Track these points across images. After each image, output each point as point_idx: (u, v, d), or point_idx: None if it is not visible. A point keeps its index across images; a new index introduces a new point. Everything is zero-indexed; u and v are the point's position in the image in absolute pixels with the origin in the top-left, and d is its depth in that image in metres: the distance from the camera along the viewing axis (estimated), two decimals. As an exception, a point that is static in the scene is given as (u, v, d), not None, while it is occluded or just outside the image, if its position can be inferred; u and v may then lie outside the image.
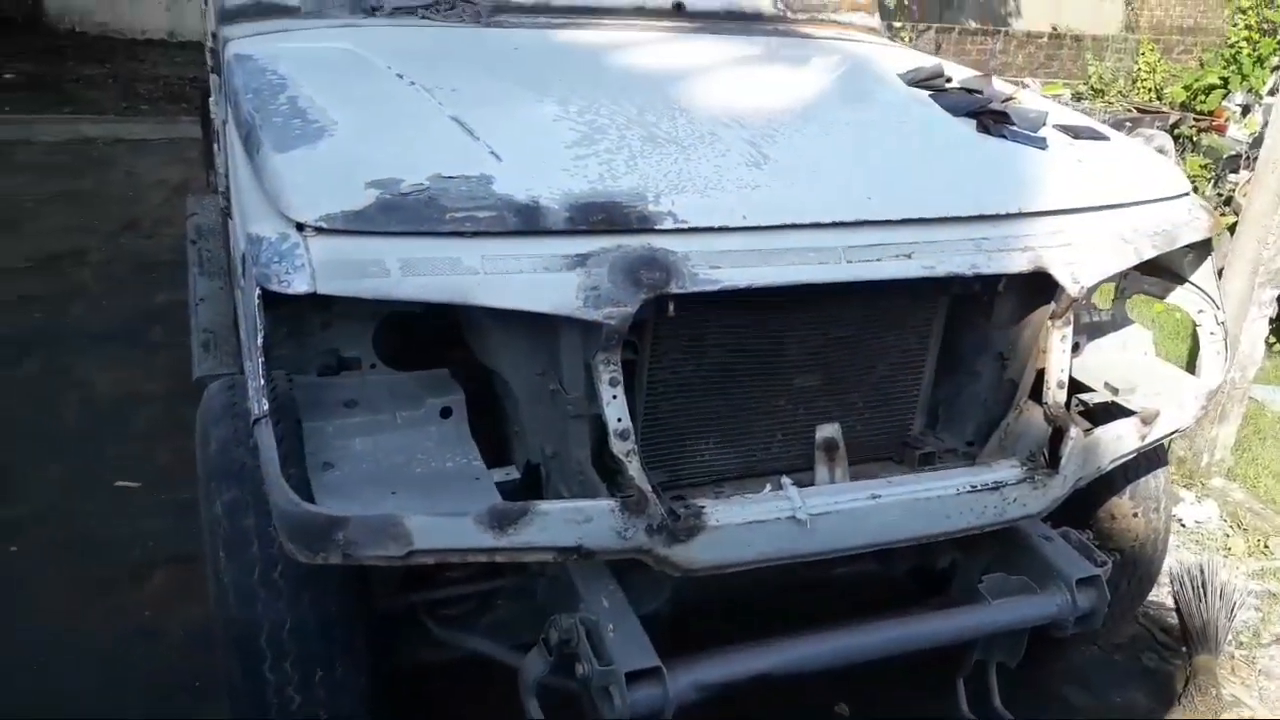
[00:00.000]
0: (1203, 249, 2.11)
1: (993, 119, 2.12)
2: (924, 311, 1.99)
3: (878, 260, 1.74)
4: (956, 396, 2.12)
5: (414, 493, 1.62)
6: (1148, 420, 1.99)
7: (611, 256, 1.60)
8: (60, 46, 9.70)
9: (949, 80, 2.37)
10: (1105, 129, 2.25)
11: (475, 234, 1.57)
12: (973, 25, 12.25)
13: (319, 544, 1.52)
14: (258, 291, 1.50)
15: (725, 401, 1.88)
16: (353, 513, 1.52)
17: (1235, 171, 7.78)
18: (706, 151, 1.82)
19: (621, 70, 2.27)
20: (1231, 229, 5.93)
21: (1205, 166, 8.09)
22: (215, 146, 4.12)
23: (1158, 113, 9.16)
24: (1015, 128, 2.11)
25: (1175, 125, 8.92)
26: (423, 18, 2.49)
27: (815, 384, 1.93)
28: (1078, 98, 9.73)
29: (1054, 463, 1.88)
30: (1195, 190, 6.85)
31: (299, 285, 1.48)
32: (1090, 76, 10.45)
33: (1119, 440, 1.96)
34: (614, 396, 1.62)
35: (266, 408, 1.51)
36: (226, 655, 1.74)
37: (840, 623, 1.81)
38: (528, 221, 1.59)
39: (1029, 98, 2.39)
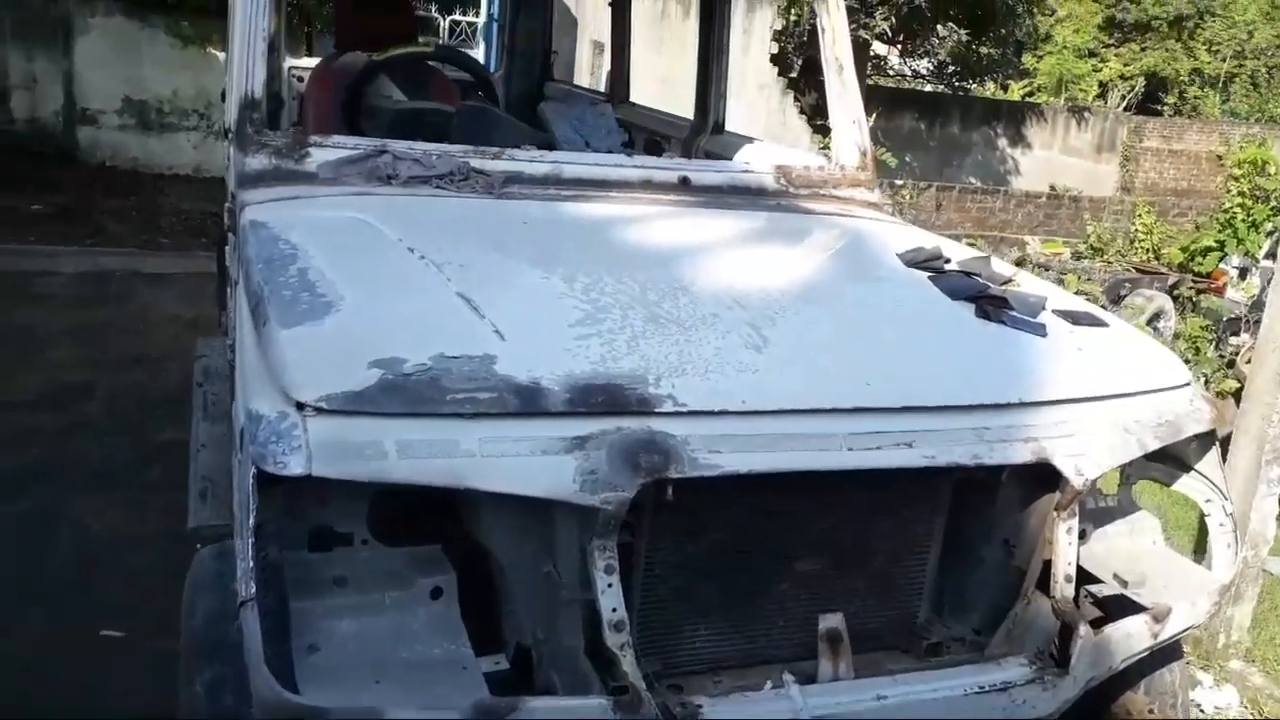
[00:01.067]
0: (1207, 439, 2.10)
1: (992, 304, 2.14)
2: (928, 497, 1.97)
3: (878, 448, 1.73)
4: (962, 583, 2.07)
5: (399, 681, 1.57)
6: (1160, 618, 1.94)
7: (610, 439, 1.59)
8: (91, 180, 10.01)
9: (947, 261, 2.41)
10: (1104, 314, 2.28)
11: (475, 415, 1.57)
12: (973, 183, 12.64)
13: None
14: (253, 471, 1.49)
15: (724, 587, 1.84)
16: (334, 703, 1.47)
17: (1236, 334, 7.87)
18: (708, 333, 1.84)
19: (627, 246, 2.31)
20: (1235, 395, 5.96)
21: (1206, 328, 8.19)
22: (228, 291, 4.20)
23: (1157, 273, 9.34)
24: (1015, 313, 2.13)
25: (1174, 286, 9.09)
26: (437, 187, 2.56)
27: (817, 570, 1.89)
28: (1077, 256, 9.95)
29: (1063, 661, 1.82)
30: (1198, 351, 6.90)
31: (295, 467, 1.47)
32: (1089, 236, 10.72)
33: (1130, 639, 1.91)
34: (609, 585, 1.59)
35: (254, 591, 1.48)
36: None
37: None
38: (528, 403, 1.59)
39: (1027, 280, 2.43)
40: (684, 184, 2.83)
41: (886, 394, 1.78)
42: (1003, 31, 12.23)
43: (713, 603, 1.84)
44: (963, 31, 11.50)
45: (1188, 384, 2.10)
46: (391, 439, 1.52)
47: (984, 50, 12.22)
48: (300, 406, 1.53)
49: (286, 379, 1.57)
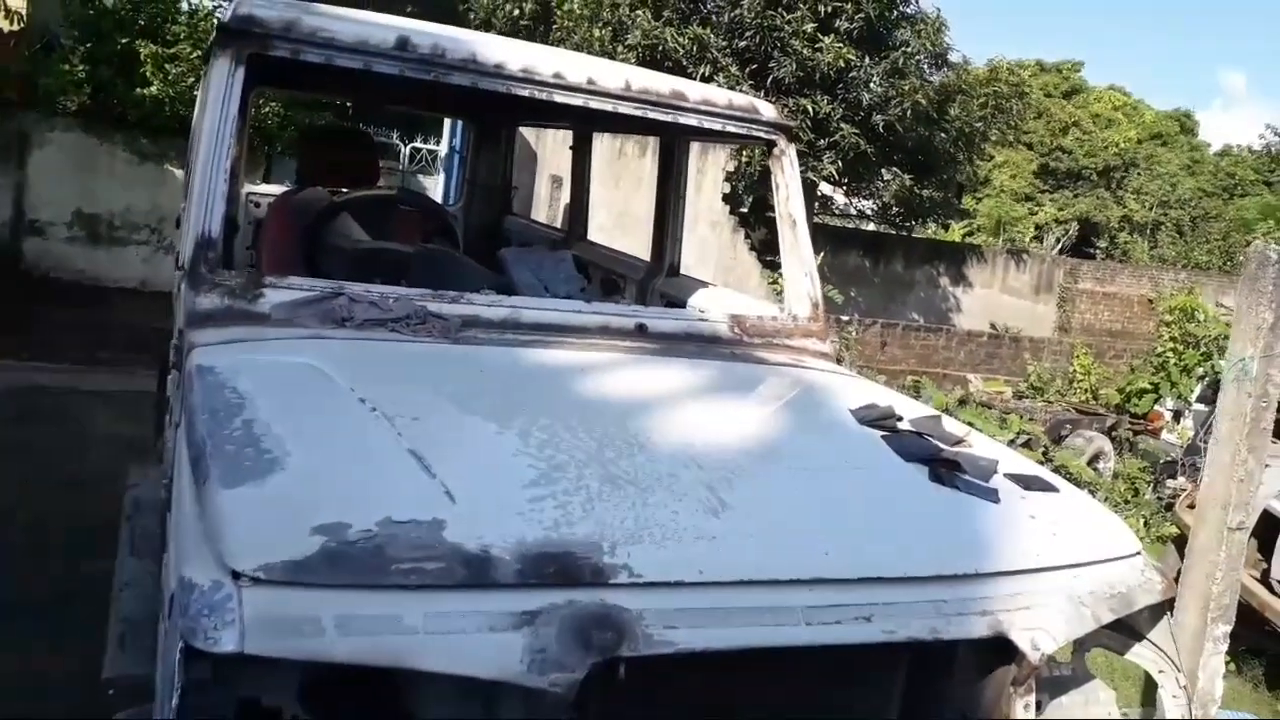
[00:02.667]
0: (1158, 609, 2.10)
1: (945, 468, 2.15)
2: (885, 669, 1.92)
3: (837, 623, 1.69)
4: None
5: None
6: (1120, 800, 1.89)
7: (561, 614, 1.53)
8: (33, 291, 9.85)
9: (899, 419, 2.42)
10: (1054, 479, 2.29)
11: (420, 587, 1.51)
12: (917, 320, 12.97)
13: None
14: (180, 645, 1.41)
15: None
16: None
17: (1173, 477, 8.04)
18: (664, 495, 1.81)
19: (584, 396, 2.30)
20: (1176, 540, 6.03)
21: (1143, 469, 8.36)
22: (166, 419, 4.09)
23: (1095, 414, 9.58)
24: (968, 477, 2.13)
25: (1113, 427, 9.31)
26: (392, 330, 2.54)
27: None
28: (1019, 396, 10.19)
29: None
30: (1136, 493, 7.00)
31: (226, 644, 1.39)
32: (1029, 375, 11.01)
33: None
34: None
35: None
36: None
37: None
38: (476, 574, 1.54)
39: (978, 440, 2.44)
40: (640, 331, 2.84)
41: (845, 564, 1.75)
42: (944, 176, 12.76)
43: None
44: (906, 176, 11.98)
45: (1138, 553, 2.11)
46: (330, 613, 1.45)
47: (926, 193, 12.72)
48: (236, 575, 1.46)
49: (224, 545, 1.50)
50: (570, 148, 4.99)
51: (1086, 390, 10.88)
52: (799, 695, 1.84)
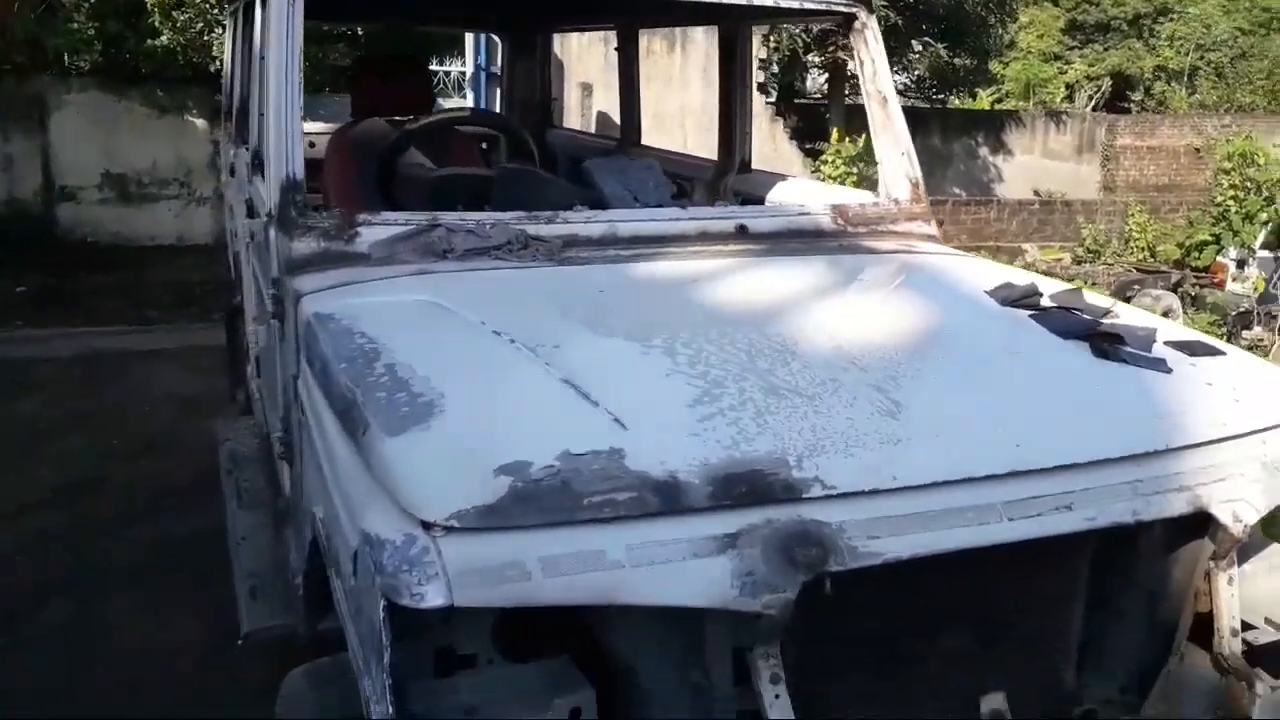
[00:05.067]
0: None
1: (1107, 342, 2.03)
2: (1075, 557, 1.84)
3: (1039, 515, 1.61)
4: (1103, 640, 1.94)
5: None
6: (1329, 664, 1.82)
7: (763, 534, 1.46)
8: (73, 257, 9.82)
9: (1041, 296, 2.30)
10: (1216, 342, 2.17)
11: (614, 519, 1.43)
12: (959, 194, 12.65)
13: None
14: (383, 604, 1.35)
15: (878, 676, 1.70)
16: None
17: (1248, 328, 7.84)
18: (833, 401, 1.71)
19: (714, 307, 2.19)
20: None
21: (1214, 323, 8.16)
22: (248, 369, 4.05)
23: (1158, 271, 9.33)
24: (1132, 349, 2.02)
25: (1179, 283, 9.08)
26: (496, 258, 2.43)
27: (971, 647, 1.76)
28: (1078, 261, 9.94)
29: (1243, 722, 1.70)
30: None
31: (434, 598, 1.33)
32: (1085, 239, 10.72)
33: (1303, 690, 1.78)
34: (776, 696, 1.45)
35: None
36: None
37: None
38: (669, 501, 1.46)
39: (1124, 311, 2.32)
40: (742, 232, 2.72)
41: (1037, 454, 1.65)
42: (977, 43, 12.28)
43: (867, 695, 1.71)
44: (940, 46, 11.53)
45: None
46: (533, 556, 1.38)
47: (959, 62, 12.27)
48: (427, 526, 1.40)
49: (407, 496, 1.44)
50: (615, 49, 4.78)
51: (1144, 248, 10.60)
52: (992, 596, 1.77)
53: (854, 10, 3.08)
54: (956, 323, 2.16)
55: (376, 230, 2.45)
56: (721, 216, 2.77)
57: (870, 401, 1.72)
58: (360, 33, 9.85)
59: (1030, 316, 2.19)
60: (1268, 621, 1.95)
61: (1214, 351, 2.11)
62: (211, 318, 8.46)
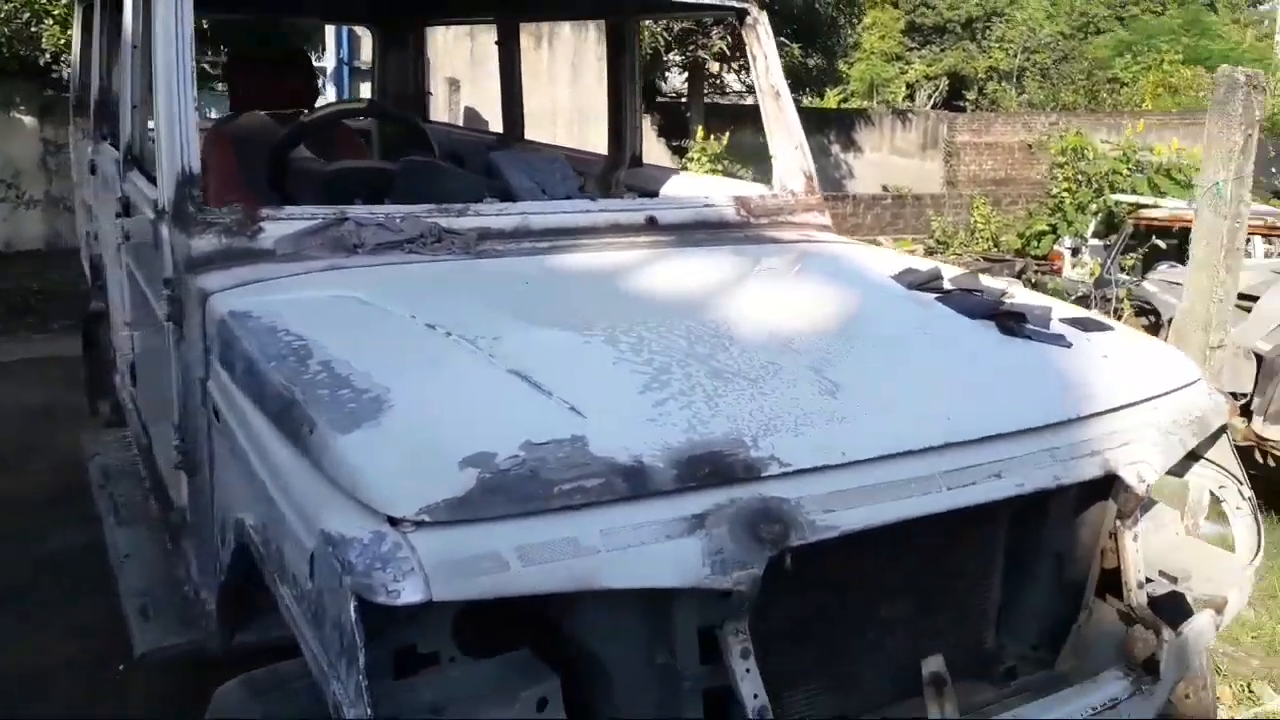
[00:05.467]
0: (1220, 430, 2.18)
1: (1011, 321, 2.16)
2: (994, 523, 1.95)
3: (973, 484, 1.70)
4: (1018, 602, 2.06)
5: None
6: (1220, 609, 1.99)
7: (728, 514, 1.49)
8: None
9: (942, 279, 2.42)
10: (1103, 319, 2.33)
11: (584, 506, 1.44)
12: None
13: None
14: (354, 604, 1.31)
15: (825, 645, 1.76)
16: None
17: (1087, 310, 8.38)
18: (776, 383, 1.76)
19: (643, 296, 2.21)
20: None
21: (1054, 308, 8.70)
22: (120, 379, 3.82)
23: (1003, 260, 9.91)
24: (1034, 327, 2.15)
25: (1021, 271, 9.66)
26: (409, 251, 2.39)
27: (906, 613, 1.84)
28: (929, 252, 10.44)
29: (1152, 669, 1.84)
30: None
31: (411, 594, 1.30)
32: (934, 231, 11.27)
33: (1201, 635, 1.94)
34: (747, 670, 1.49)
35: None
36: None
37: None
38: (636, 485, 1.48)
39: (1018, 291, 2.46)
40: (651, 224, 2.74)
41: (967, 426, 1.75)
42: (827, 42, 12.72)
43: (814, 662, 1.77)
44: (795, 45, 11.88)
45: (1200, 378, 2.18)
46: (509, 546, 1.37)
47: (812, 62, 12.67)
48: (395, 522, 1.37)
49: (370, 492, 1.40)
50: (496, 42, 4.74)
51: (988, 239, 11.23)
52: (924, 563, 1.86)
53: (745, 6, 3.15)
54: (872, 306, 2.25)
55: (280, 225, 2.36)
56: (631, 209, 2.79)
57: (810, 382, 1.78)
58: (206, 25, 9.40)
59: (936, 299, 2.31)
60: (1162, 574, 2.11)
61: (1104, 327, 2.26)
62: (52, 327, 7.95)
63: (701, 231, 2.79)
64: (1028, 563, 2.05)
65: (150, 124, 2.87)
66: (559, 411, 1.60)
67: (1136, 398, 1.98)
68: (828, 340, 1.99)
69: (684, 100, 12.83)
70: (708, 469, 1.52)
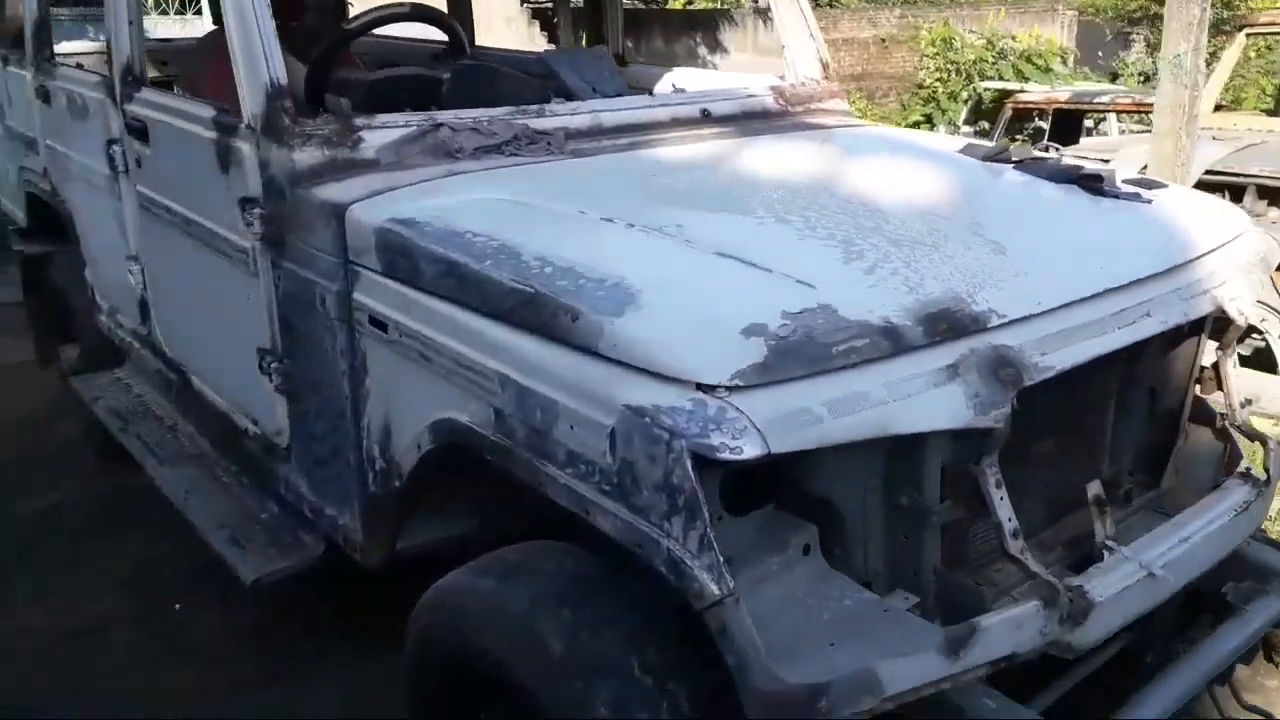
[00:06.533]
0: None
1: (1093, 182, 2.36)
2: (1116, 362, 2.15)
3: (1133, 323, 1.90)
4: (1118, 433, 2.30)
5: (845, 638, 1.55)
6: (1302, 420, 2.28)
7: (974, 361, 1.63)
8: None
9: (1007, 152, 2.60)
10: (1157, 178, 2.57)
11: (860, 364, 1.56)
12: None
13: (800, 715, 1.43)
14: (690, 463, 1.40)
15: (1021, 480, 1.92)
16: (825, 676, 1.45)
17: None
18: (953, 248, 1.90)
19: (767, 180, 2.29)
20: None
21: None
22: (107, 319, 3.63)
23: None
24: (1114, 187, 2.36)
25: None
26: (509, 154, 2.39)
27: (1070, 446, 2.05)
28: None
29: (1251, 476, 2.11)
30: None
31: (752, 450, 1.40)
32: (815, 127, 11.59)
33: (1289, 443, 2.24)
34: (1001, 499, 1.65)
35: (733, 585, 1.41)
36: None
37: (1165, 668, 1.93)
38: (895, 343, 1.60)
39: (1067, 158, 2.67)
40: (706, 116, 2.81)
41: (1117, 274, 1.93)
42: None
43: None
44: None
45: (1249, 225, 2.44)
46: (817, 402, 1.48)
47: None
48: (707, 389, 1.45)
49: (676, 363, 1.48)
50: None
51: (866, 132, 11.64)
52: (1081, 400, 2.04)
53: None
54: (973, 179, 2.40)
55: (378, 135, 2.33)
56: (686, 102, 2.84)
57: (979, 245, 1.93)
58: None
59: (1015, 168, 2.48)
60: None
61: (1161, 185, 2.49)
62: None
63: (755, 121, 2.88)
64: (1131, 397, 2.28)
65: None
66: (790, 285, 1.69)
67: (1222, 241, 2.22)
68: (960, 209, 2.15)
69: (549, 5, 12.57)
70: (944, 324, 1.66)
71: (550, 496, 1.67)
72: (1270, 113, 8.95)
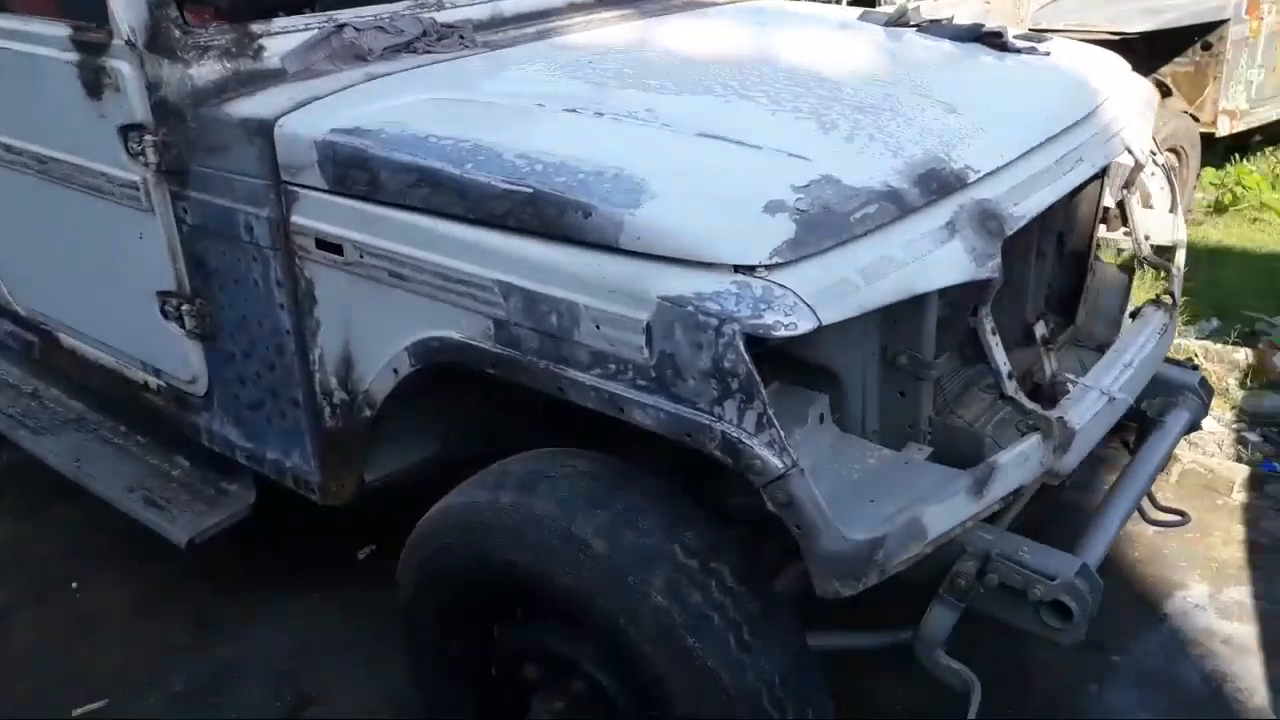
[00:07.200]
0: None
1: (995, 41, 2.45)
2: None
3: (1071, 170, 2.02)
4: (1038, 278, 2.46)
5: (880, 493, 1.62)
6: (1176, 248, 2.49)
7: (965, 217, 1.70)
8: None
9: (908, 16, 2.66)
10: (1041, 33, 2.70)
11: (876, 229, 1.59)
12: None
13: (862, 570, 1.51)
14: (742, 344, 1.41)
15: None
16: (876, 532, 1.52)
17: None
18: (913, 110, 1.94)
19: (699, 58, 2.25)
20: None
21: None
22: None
23: None
24: (1014, 43, 2.46)
25: None
26: (423, 52, 2.24)
27: (1004, 296, 2.17)
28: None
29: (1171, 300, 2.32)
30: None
31: (805, 324, 1.43)
32: None
33: (1180, 268, 2.46)
34: (996, 345, 1.75)
35: (796, 457, 1.44)
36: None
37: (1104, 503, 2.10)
38: (900, 206, 1.64)
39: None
40: (601, 1, 2.73)
41: (1053, 123, 2.04)
42: None
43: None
44: None
45: (1129, 70, 2.62)
46: (851, 270, 1.51)
47: None
48: (744, 269, 1.46)
49: (709, 248, 1.48)
50: None
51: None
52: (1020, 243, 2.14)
53: None
54: (890, 44, 2.45)
55: (280, 40, 2.13)
56: (579, -14, 2.74)
57: (931, 107, 1.98)
58: None
59: (919, 31, 2.55)
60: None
61: (1045, 37, 2.62)
62: None
63: (650, 3, 2.81)
64: (1043, 242, 2.44)
65: None
66: (785, 159, 1.69)
67: (1111, 88, 2.37)
68: (896, 73, 2.20)
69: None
70: (935, 184, 1.71)
71: (573, 400, 1.64)
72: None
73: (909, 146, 1.78)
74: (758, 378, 1.43)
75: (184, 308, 2.27)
